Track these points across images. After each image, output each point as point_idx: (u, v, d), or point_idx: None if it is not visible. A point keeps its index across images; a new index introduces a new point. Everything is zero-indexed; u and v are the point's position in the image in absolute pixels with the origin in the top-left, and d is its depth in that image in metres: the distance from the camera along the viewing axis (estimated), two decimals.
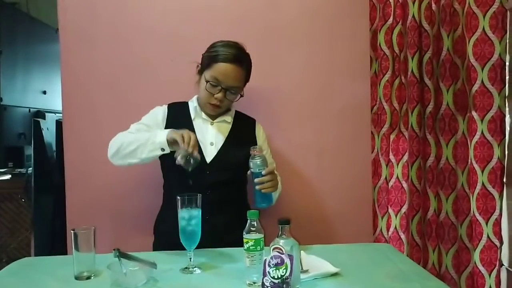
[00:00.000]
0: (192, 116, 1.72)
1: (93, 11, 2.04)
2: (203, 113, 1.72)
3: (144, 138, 1.55)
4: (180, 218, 1.38)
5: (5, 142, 2.83)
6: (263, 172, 1.52)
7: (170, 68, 2.04)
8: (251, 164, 1.53)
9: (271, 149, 1.87)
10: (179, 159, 1.41)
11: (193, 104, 1.74)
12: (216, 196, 1.59)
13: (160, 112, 1.73)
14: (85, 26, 2.04)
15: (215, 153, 1.67)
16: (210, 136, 1.70)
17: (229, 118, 1.74)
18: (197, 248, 1.40)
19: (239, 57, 1.62)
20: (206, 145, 1.68)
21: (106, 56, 2.05)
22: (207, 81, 1.62)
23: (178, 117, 1.73)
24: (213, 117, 1.73)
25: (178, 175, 1.59)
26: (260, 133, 1.80)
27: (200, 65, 1.68)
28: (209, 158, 1.66)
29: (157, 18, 2.05)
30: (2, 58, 2.79)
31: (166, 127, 1.69)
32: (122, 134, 1.67)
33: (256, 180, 1.52)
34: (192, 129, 1.69)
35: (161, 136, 1.51)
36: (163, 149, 1.51)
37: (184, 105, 1.77)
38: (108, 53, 2.05)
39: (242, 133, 1.75)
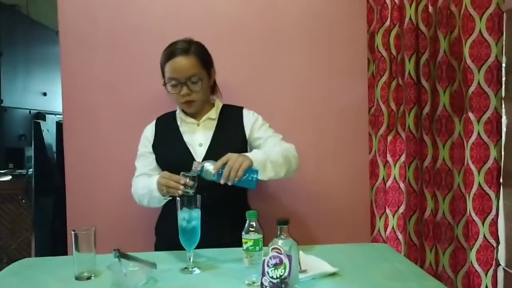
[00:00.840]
0: (178, 123, 1.75)
1: (93, 14, 2.05)
2: (188, 117, 1.74)
3: (148, 192, 1.61)
4: (179, 218, 1.39)
5: (5, 144, 2.83)
6: (213, 172, 1.43)
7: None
8: (205, 176, 1.46)
9: (270, 125, 1.79)
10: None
11: (178, 112, 1.77)
12: (213, 197, 1.56)
13: (148, 131, 1.79)
14: (85, 29, 2.05)
15: (204, 154, 1.68)
16: (198, 138, 1.71)
17: (213, 115, 1.74)
18: (196, 248, 1.42)
19: (181, 48, 1.64)
20: (196, 147, 1.70)
21: (106, 58, 2.06)
22: (167, 84, 1.66)
23: (165, 127, 1.77)
24: (198, 118, 1.74)
25: None
26: (248, 117, 1.76)
27: (162, 78, 1.71)
28: (199, 159, 1.66)
29: (156, 21, 2.06)
30: (2, 60, 2.80)
31: (154, 140, 1.75)
32: (134, 185, 1.75)
33: (221, 180, 1.43)
34: (179, 134, 1.73)
35: (156, 190, 1.55)
36: (167, 197, 1.56)
37: (172, 115, 1.80)
38: (107, 55, 2.06)
39: (229, 126, 1.75)
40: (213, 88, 1.81)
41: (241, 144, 1.72)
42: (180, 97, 1.65)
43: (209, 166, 1.45)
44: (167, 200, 1.61)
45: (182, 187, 1.42)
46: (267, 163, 1.52)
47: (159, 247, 1.77)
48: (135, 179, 1.77)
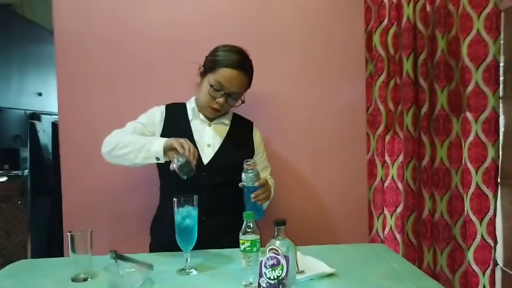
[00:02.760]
0: (190, 117, 1.73)
1: (88, 14, 2.04)
2: (200, 115, 1.72)
3: (140, 143, 1.53)
4: (176, 219, 1.39)
5: (0, 144, 2.82)
6: (255, 185, 1.52)
7: (166, 70, 2.05)
8: (244, 177, 1.53)
9: (267, 152, 1.88)
10: (176, 166, 1.40)
11: (191, 106, 1.74)
12: (213, 198, 1.60)
13: (157, 113, 1.72)
14: (80, 29, 2.04)
15: (212, 155, 1.67)
16: (208, 138, 1.70)
17: (226, 120, 1.75)
18: (193, 249, 1.41)
19: (244, 63, 1.63)
20: (204, 146, 1.68)
21: (102, 58, 2.05)
22: (210, 85, 1.62)
23: (175, 117, 1.73)
24: (210, 118, 1.73)
25: (175, 177, 1.60)
26: (256, 136, 1.81)
27: (203, 68, 1.67)
28: (206, 159, 1.66)
29: (152, 21, 2.05)
30: None
31: (163, 128, 1.69)
32: (118, 133, 1.65)
33: (252, 195, 1.52)
34: (189, 130, 1.70)
35: (158, 145, 1.48)
36: (157, 158, 1.49)
37: (182, 106, 1.77)
38: (103, 55, 2.05)
39: (239, 135, 1.76)
40: None
41: (248, 154, 1.74)
42: (214, 102, 1.63)
43: (254, 175, 1.53)
44: (150, 163, 1.53)
45: (192, 156, 1.41)
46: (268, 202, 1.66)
47: (153, 247, 1.76)
48: (118, 130, 1.67)
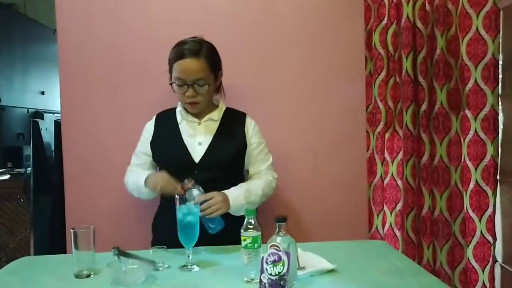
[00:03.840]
0: (179, 120, 1.75)
1: (90, 13, 2.05)
2: (189, 115, 1.74)
3: (137, 186, 1.71)
4: (178, 216, 1.40)
5: (4, 142, 2.83)
6: (197, 201, 1.48)
7: (166, 69, 2.05)
8: (187, 197, 1.50)
9: (266, 142, 1.82)
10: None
11: (179, 109, 1.76)
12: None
13: (148, 129, 1.80)
14: (82, 28, 2.05)
15: (203, 153, 1.68)
16: (198, 136, 1.71)
17: (215, 116, 1.74)
18: (195, 246, 1.42)
19: (193, 49, 1.62)
20: (195, 145, 1.69)
21: (104, 56, 2.06)
22: (172, 83, 1.65)
23: (165, 123, 1.77)
24: (199, 117, 1.74)
25: (173, 176, 1.64)
26: (250, 127, 1.77)
27: (169, 75, 1.70)
28: (197, 158, 1.67)
29: (153, 21, 2.06)
30: (0, 58, 2.79)
31: (153, 137, 1.76)
32: (126, 177, 1.81)
33: (200, 213, 1.47)
34: (178, 132, 1.73)
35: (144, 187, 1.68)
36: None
37: (171, 111, 1.79)
38: (105, 54, 2.06)
39: (231, 129, 1.75)
40: (218, 88, 1.80)
41: (240, 149, 1.73)
42: (185, 97, 1.64)
43: (195, 192, 1.53)
44: (156, 194, 1.68)
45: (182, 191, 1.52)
46: (244, 207, 1.58)
47: (155, 244, 1.76)
48: (128, 171, 1.83)
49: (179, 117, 1.75)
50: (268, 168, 1.79)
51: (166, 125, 1.76)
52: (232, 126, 1.75)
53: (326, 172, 2.15)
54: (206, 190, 1.56)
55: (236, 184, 1.72)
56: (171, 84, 1.67)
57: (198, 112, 1.73)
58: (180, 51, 1.62)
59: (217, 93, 1.80)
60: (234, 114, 1.80)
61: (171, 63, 1.65)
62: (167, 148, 1.73)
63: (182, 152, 1.69)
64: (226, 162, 1.69)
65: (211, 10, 2.07)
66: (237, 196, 1.60)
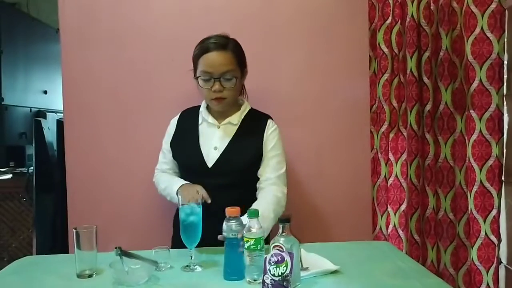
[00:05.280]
0: (200, 121, 1.73)
1: (93, 12, 2.05)
2: (210, 117, 1.71)
3: (167, 194, 1.70)
4: (180, 216, 1.40)
5: (6, 142, 2.83)
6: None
7: (170, 68, 2.05)
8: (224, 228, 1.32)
9: (283, 149, 1.73)
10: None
11: (201, 109, 1.74)
12: (222, 200, 1.46)
13: (171, 127, 1.78)
14: (85, 27, 2.05)
15: (216, 158, 1.65)
16: (215, 141, 1.68)
17: (235, 120, 1.70)
18: (197, 246, 1.42)
19: (219, 42, 1.61)
20: (210, 149, 1.67)
21: (106, 56, 2.06)
22: (200, 79, 1.62)
23: (186, 122, 1.76)
24: (220, 119, 1.70)
25: (185, 178, 1.65)
26: (269, 130, 1.70)
27: (193, 71, 1.68)
28: (210, 163, 1.65)
29: (156, 19, 2.06)
30: (3, 58, 2.79)
31: (174, 136, 1.74)
32: (157, 179, 1.79)
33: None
34: (196, 134, 1.70)
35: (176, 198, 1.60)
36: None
37: (195, 110, 1.77)
38: (108, 53, 2.06)
39: (249, 133, 1.70)
40: (241, 89, 1.77)
41: (256, 154, 1.68)
42: (211, 92, 1.60)
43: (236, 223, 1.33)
44: None
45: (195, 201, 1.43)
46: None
47: (175, 240, 1.73)
48: (157, 172, 1.82)
49: (200, 118, 1.73)
50: (278, 178, 1.67)
51: (187, 125, 1.74)
52: (251, 130, 1.70)
53: (329, 172, 2.14)
54: (219, 196, 1.50)
55: (250, 190, 1.68)
56: (196, 78, 1.64)
57: (223, 109, 1.68)
58: (206, 45, 1.60)
59: (240, 94, 1.78)
60: (257, 117, 1.75)
61: (196, 58, 1.63)
62: (183, 150, 1.71)
63: (196, 156, 1.66)
64: (240, 168, 1.65)
65: (213, 6, 2.07)
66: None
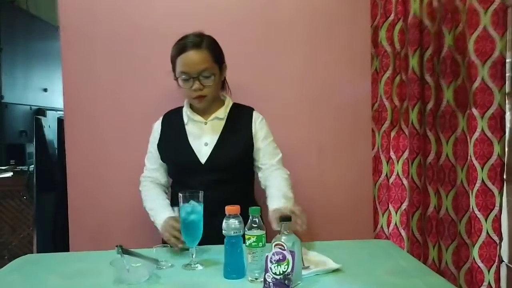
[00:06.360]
0: (185, 121, 1.73)
1: (93, 9, 2.05)
2: (196, 115, 1.72)
3: (153, 216, 1.69)
4: (181, 215, 1.39)
5: (6, 140, 2.83)
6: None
7: (170, 65, 2.04)
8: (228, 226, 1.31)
9: (274, 137, 1.77)
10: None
11: (185, 109, 1.75)
12: (217, 196, 1.50)
13: (155, 131, 1.78)
14: (85, 24, 2.04)
15: (209, 153, 1.66)
16: (205, 137, 1.69)
17: (221, 114, 1.71)
18: (198, 245, 1.41)
19: (193, 41, 1.62)
20: (201, 146, 1.68)
21: (107, 53, 2.05)
22: (177, 79, 1.64)
23: (171, 125, 1.76)
24: (206, 116, 1.72)
25: (178, 177, 1.67)
26: (257, 121, 1.73)
27: (172, 73, 1.69)
28: (203, 159, 1.66)
29: (157, 17, 2.06)
30: (2, 55, 2.79)
31: (160, 139, 1.74)
32: (143, 192, 1.79)
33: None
34: (184, 134, 1.71)
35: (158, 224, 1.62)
36: None
37: (178, 112, 1.78)
38: (108, 51, 2.05)
39: (237, 126, 1.72)
40: (223, 84, 1.78)
41: (247, 147, 1.70)
42: (192, 92, 1.62)
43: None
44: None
45: (180, 245, 1.47)
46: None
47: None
48: (144, 181, 1.80)
49: (185, 118, 1.73)
50: (278, 162, 1.73)
51: (173, 126, 1.75)
52: (238, 123, 1.73)
53: (331, 171, 2.14)
54: (214, 191, 1.50)
55: (245, 185, 1.72)
56: (176, 79, 1.66)
57: (206, 106, 1.70)
58: (181, 45, 1.62)
59: (222, 89, 1.79)
60: (241, 110, 1.77)
61: (173, 59, 1.65)
62: (173, 150, 1.72)
63: (188, 154, 1.67)
64: (233, 162, 1.66)
65: (215, 4, 2.06)
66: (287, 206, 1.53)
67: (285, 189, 1.63)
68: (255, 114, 1.75)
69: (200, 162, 1.65)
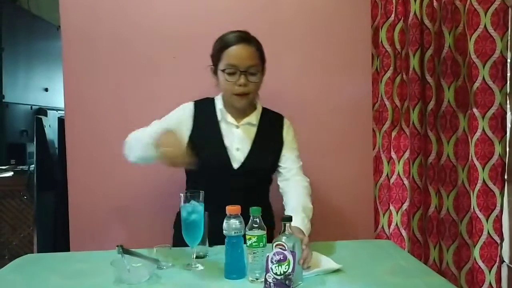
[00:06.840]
0: (219, 117, 1.65)
1: (94, 9, 2.04)
2: (228, 116, 1.65)
3: (141, 141, 1.56)
4: (182, 214, 1.39)
5: (7, 139, 2.82)
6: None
7: (172, 65, 2.04)
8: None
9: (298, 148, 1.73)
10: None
11: (219, 106, 1.66)
12: (239, 199, 1.40)
13: (187, 117, 1.65)
14: (86, 24, 2.04)
15: (242, 160, 1.61)
16: (236, 142, 1.63)
17: (254, 120, 1.66)
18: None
19: (245, 36, 1.57)
20: (232, 150, 1.62)
21: (108, 53, 2.05)
22: (224, 72, 1.55)
23: (204, 117, 1.66)
24: (238, 119, 1.65)
25: (201, 177, 1.59)
26: (288, 132, 1.70)
27: (212, 65, 1.62)
28: (236, 164, 1.60)
29: (158, 17, 2.05)
30: (4, 55, 2.78)
31: (193, 129, 1.63)
32: (130, 136, 1.65)
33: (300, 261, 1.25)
34: (219, 133, 1.63)
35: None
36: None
37: (210, 105, 1.68)
38: (109, 50, 2.05)
39: (269, 134, 1.68)
40: None
41: (278, 154, 1.67)
42: (236, 87, 1.54)
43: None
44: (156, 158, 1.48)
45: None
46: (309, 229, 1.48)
47: (177, 239, 1.67)
48: (136, 131, 1.66)
49: (219, 115, 1.65)
50: (299, 168, 1.69)
51: (205, 119, 1.66)
52: (270, 131, 1.68)
53: (331, 171, 2.13)
54: (238, 195, 1.45)
55: (265, 189, 1.70)
56: (214, 72, 1.60)
57: (244, 106, 1.62)
58: (230, 38, 1.56)
59: None
60: (272, 117, 1.72)
61: (219, 52, 1.57)
62: (207, 149, 1.60)
63: (222, 156, 1.61)
64: (264, 170, 1.64)
65: (215, 4, 2.06)
66: (306, 225, 1.47)
67: (305, 200, 1.57)
68: (285, 122, 1.73)
69: (233, 167, 1.60)
